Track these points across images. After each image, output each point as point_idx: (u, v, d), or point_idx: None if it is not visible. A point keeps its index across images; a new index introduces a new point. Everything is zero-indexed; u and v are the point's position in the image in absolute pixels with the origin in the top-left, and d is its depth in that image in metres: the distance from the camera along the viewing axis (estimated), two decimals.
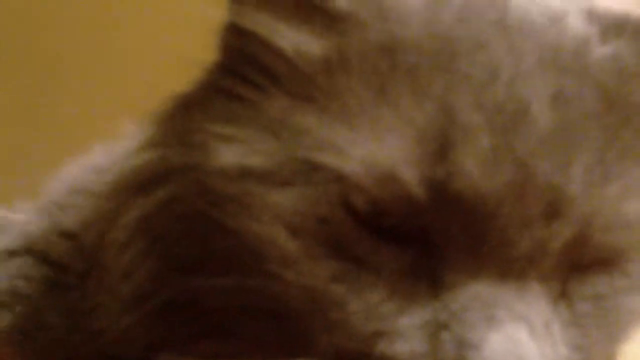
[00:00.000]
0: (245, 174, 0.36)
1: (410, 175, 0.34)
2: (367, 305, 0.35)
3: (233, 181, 0.36)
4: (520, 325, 0.34)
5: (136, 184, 0.40)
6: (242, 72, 0.38)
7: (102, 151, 0.49)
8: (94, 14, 1.17)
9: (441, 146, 0.34)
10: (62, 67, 1.20)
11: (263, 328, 0.36)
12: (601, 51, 0.37)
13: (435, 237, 0.35)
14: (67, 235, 0.46)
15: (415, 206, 0.34)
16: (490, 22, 0.36)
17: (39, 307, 0.44)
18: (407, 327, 0.35)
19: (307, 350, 0.35)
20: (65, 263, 0.45)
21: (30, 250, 0.47)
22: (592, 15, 0.38)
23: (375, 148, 0.34)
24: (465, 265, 0.35)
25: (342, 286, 0.35)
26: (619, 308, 0.38)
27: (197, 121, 0.38)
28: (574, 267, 0.37)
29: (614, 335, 0.38)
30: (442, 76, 0.34)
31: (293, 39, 0.36)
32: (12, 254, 0.47)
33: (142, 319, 0.39)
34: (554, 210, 0.35)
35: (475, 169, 0.34)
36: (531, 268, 0.35)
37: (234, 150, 0.36)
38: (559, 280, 0.36)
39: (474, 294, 0.35)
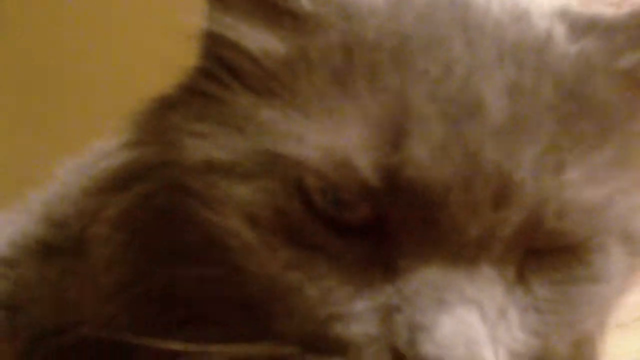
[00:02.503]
0: (210, 168, 0.38)
1: (365, 162, 0.35)
2: (322, 291, 0.37)
3: (200, 175, 0.38)
4: (471, 309, 0.35)
5: (117, 181, 0.42)
6: (216, 73, 0.40)
7: (88, 151, 0.51)
8: (83, 18, 1.17)
9: (395, 135, 0.36)
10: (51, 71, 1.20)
11: (232, 315, 0.38)
12: (565, 48, 0.39)
13: (389, 223, 0.36)
14: (57, 225, 0.48)
15: (369, 192, 0.36)
16: (451, 20, 0.38)
17: (30, 280, 0.46)
18: (361, 311, 0.36)
19: (271, 335, 0.37)
20: (55, 244, 0.47)
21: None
22: (564, 15, 0.40)
23: (333, 136, 0.36)
24: (418, 250, 0.36)
25: (298, 273, 0.37)
26: (579, 296, 0.39)
27: (174, 120, 0.40)
28: (531, 252, 0.38)
29: (575, 322, 0.39)
30: (399, 71, 0.36)
31: (259, 39, 0.38)
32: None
33: (123, 307, 0.41)
34: (502, 197, 0.36)
35: (426, 157, 0.35)
36: (482, 253, 0.36)
37: (202, 146, 0.38)
38: (514, 265, 0.38)
39: (425, 279, 0.36)
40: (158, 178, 0.40)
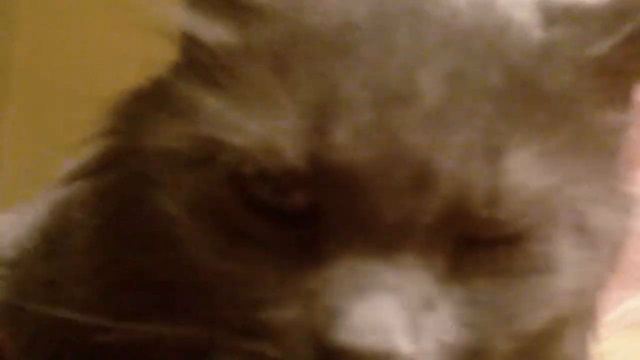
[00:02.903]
0: (163, 156, 0.39)
1: (292, 148, 0.35)
2: (251, 277, 0.37)
3: (155, 163, 0.39)
4: (389, 296, 0.35)
5: (92, 167, 0.43)
6: (181, 66, 0.41)
7: None
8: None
9: (322, 121, 0.35)
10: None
11: (184, 301, 0.39)
12: (526, 35, 0.38)
13: (319, 209, 0.36)
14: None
15: (298, 178, 0.36)
16: (401, 8, 0.37)
17: (25, 276, 0.47)
18: (286, 297, 0.36)
19: (215, 322, 0.37)
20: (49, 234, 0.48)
21: None
22: (541, 3, 0.40)
23: (267, 124, 0.36)
24: (342, 236, 0.36)
25: (230, 261, 0.37)
26: (519, 289, 0.38)
27: (141, 110, 0.41)
28: (467, 242, 0.37)
29: (515, 316, 0.38)
30: (337, 59, 0.36)
31: (214, 32, 0.39)
32: None
33: (97, 292, 0.41)
34: (422, 183, 0.35)
35: (349, 142, 0.35)
36: (404, 240, 0.36)
37: (158, 135, 0.39)
38: (444, 254, 0.37)
39: (346, 265, 0.35)
40: (127, 165, 0.41)
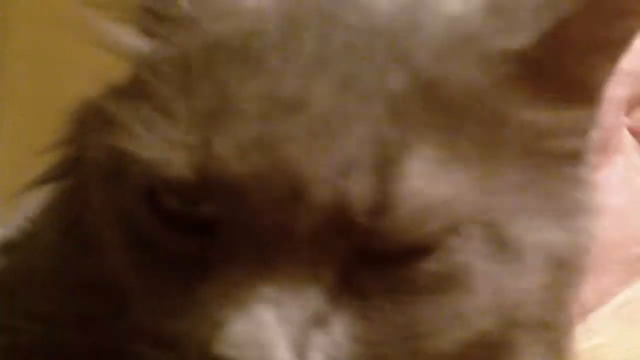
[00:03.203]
0: (94, 166, 0.39)
1: (181, 160, 0.35)
2: (156, 288, 0.37)
3: (89, 174, 0.40)
4: (268, 309, 0.34)
5: (51, 176, 0.44)
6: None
7: None
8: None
9: (208, 132, 0.35)
10: None
11: (112, 309, 0.39)
12: (436, 35, 0.37)
13: (211, 221, 0.36)
14: None
15: (189, 190, 0.36)
16: (312, 13, 0.37)
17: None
18: (181, 308, 0.36)
19: (131, 331, 0.38)
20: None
21: None
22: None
23: (164, 136, 0.36)
24: (229, 249, 0.36)
25: (140, 271, 0.38)
26: (424, 306, 0.36)
27: (91, 119, 0.41)
28: (361, 256, 0.36)
29: (421, 335, 0.36)
30: (237, 68, 0.36)
31: (137, 44, 0.39)
32: None
33: (58, 295, 0.42)
34: (296, 193, 0.34)
35: (230, 154, 0.35)
36: (286, 253, 0.35)
37: (93, 145, 0.40)
38: (333, 268, 0.35)
39: (231, 278, 0.35)
40: (79, 175, 0.42)
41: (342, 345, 0.35)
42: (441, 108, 0.36)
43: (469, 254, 0.36)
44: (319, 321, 0.35)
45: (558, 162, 0.39)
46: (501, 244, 0.37)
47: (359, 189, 0.34)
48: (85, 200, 0.41)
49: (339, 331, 0.35)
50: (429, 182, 0.35)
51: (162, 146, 0.36)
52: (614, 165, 0.63)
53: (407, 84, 0.36)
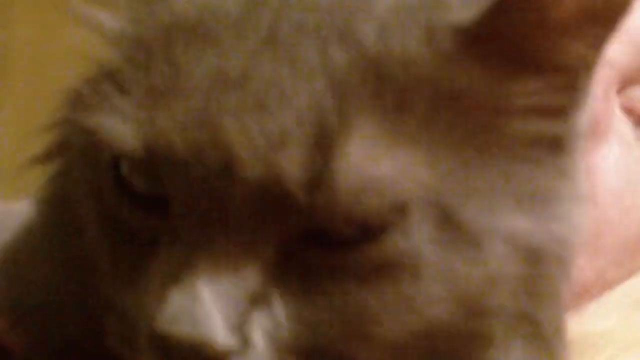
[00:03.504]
0: (74, 145, 0.40)
1: (129, 134, 0.36)
2: (116, 264, 0.38)
3: (73, 154, 0.41)
4: (205, 285, 0.34)
5: (45, 155, 0.44)
6: None
7: None
8: None
9: (157, 108, 0.36)
10: None
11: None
12: (384, 9, 0.36)
13: (160, 198, 0.36)
14: None
15: (139, 165, 0.36)
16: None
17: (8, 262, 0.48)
18: (132, 283, 0.37)
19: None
20: None
21: None
22: None
23: (121, 111, 0.36)
24: (174, 224, 0.36)
25: (106, 247, 0.39)
26: (370, 290, 0.35)
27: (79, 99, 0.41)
28: (306, 238, 0.35)
29: (367, 320, 0.35)
30: (192, 45, 0.36)
31: (110, 22, 0.39)
32: None
33: (56, 274, 0.43)
34: (228, 168, 0.34)
35: (172, 129, 0.35)
36: (222, 230, 0.35)
37: (72, 125, 0.40)
38: (273, 247, 0.35)
39: (170, 255, 0.36)
40: (66, 154, 0.42)
41: (282, 325, 0.35)
42: (385, 85, 0.35)
43: (418, 238, 0.35)
44: (258, 300, 0.35)
45: (525, 146, 0.38)
46: (453, 229, 0.36)
47: (292, 163, 0.34)
48: (72, 180, 0.41)
49: (280, 311, 0.35)
50: (369, 159, 0.34)
51: (117, 121, 0.36)
52: (609, 146, 0.60)
53: (350, 60, 0.35)
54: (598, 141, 0.60)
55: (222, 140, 0.34)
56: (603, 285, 0.61)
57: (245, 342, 0.35)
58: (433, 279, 0.36)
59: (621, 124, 0.62)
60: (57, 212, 0.43)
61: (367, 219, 0.35)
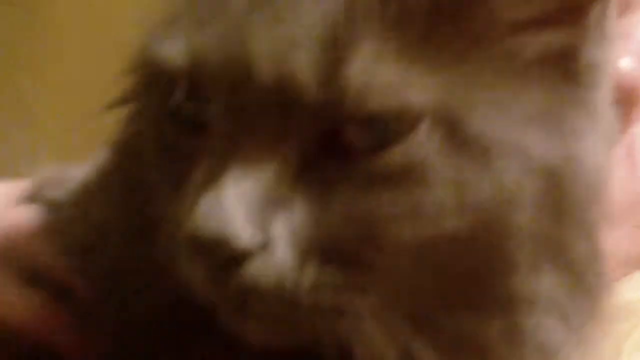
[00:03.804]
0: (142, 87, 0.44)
1: (179, 53, 0.39)
2: (171, 186, 0.40)
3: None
4: (229, 188, 0.36)
5: (122, 99, 0.47)
6: None
7: None
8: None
9: (198, 31, 0.38)
10: None
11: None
12: None
13: (200, 122, 0.39)
14: None
15: (185, 85, 0.39)
16: None
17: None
18: (176, 199, 0.39)
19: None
20: None
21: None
22: None
23: (173, 37, 0.40)
24: (211, 136, 0.39)
25: (160, 172, 0.41)
26: (381, 197, 0.37)
27: None
28: (325, 146, 0.38)
29: (377, 225, 0.37)
30: None
31: None
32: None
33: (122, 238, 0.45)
34: (248, 73, 0.37)
35: (209, 45, 0.38)
36: (247, 137, 0.37)
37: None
38: (294, 153, 0.37)
39: (207, 163, 0.38)
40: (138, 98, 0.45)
41: (302, 228, 0.37)
42: None
43: (426, 148, 0.37)
44: (280, 204, 0.37)
45: (533, 64, 0.39)
46: (460, 140, 0.37)
47: (303, 64, 0.36)
48: (141, 120, 0.44)
49: (300, 215, 0.37)
50: (376, 64, 0.36)
51: (171, 45, 0.39)
52: None
53: None
54: (637, 112, 0.59)
55: (245, 50, 0.37)
56: None
57: (266, 242, 0.36)
58: (440, 188, 0.37)
59: None
60: (128, 155, 0.45)
61: (376, 123, 0.37)
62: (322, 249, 0.37)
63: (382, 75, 0.37)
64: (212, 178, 0.37)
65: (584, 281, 0.41)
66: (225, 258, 0.36)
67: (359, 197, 0.37)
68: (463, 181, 0.37)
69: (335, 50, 0.36)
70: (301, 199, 0.37)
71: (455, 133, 0.37)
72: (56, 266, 0.47)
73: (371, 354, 0.38)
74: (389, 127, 0.37)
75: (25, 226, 0.49)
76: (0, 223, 0.50)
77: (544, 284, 0.40)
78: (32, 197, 0.52)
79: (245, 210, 0.36)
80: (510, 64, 0.39)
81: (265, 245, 0.37)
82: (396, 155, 0.37)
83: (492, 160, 0.38)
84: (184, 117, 0.40)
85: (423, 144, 0.37)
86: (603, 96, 0.42)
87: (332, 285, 0.37)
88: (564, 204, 0.40)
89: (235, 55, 0.37)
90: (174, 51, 0.39)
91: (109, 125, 0.48)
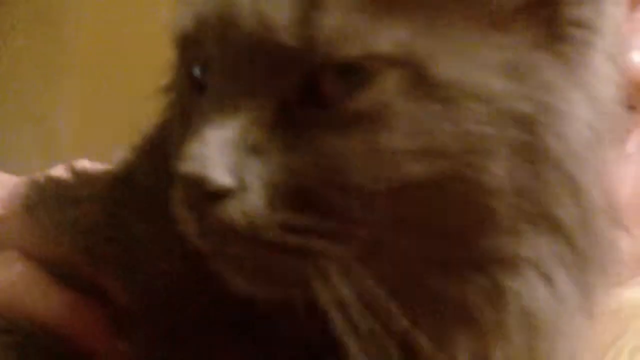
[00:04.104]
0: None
1: (188, 18, 0.42)
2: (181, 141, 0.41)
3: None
4: (212, 132, 0.39)
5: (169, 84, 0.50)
6: None
7: None
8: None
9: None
10: None
11: None
12: None
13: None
14: None
15: (190, 42, 0.42)
16: None
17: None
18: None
19: None
20: None
21: None
22: None
23: (189, 6, 0.42)
24: (204, 89, 0.42)
25: (177, 131, 0.44)
26: (348, 141, 0.38)
27: None
28: (299, 94, 0.39)
29: (346, 169, 0.38)
30: None
31: None
32: None
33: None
34: (229, 23, 0.40)
35: (209, 8, 0.41)
36: (232, 86, 0.40)
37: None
38: (272, 100, 0.39)
39: (200, 110, 0.41)
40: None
41: (275, 171, 0.39)
42: None
43: (392, 93, 0.38)
44: (256, 149, 0.39)
45: (506, 17, 0.39)
46: (426, 85, 0.38)
47: (280, 13, 0.38)
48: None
49: (274, 159, 0.39)
50: (347, 13, 0.38)
51: (184, 13, 0.42)
52: None
53: None
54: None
55: (232, 5, 0.39)
56: None
57: (241, 184, 0.38)
58: (405, 133, 0.38)
59: None
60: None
61: (348, 70, 0.38)
62: (294, 193, 0.39)
63: (353, 23, 0.38)
64: (198, 127, 0.39)
65: (574, 246, 0.41)
66: (202, 195, 0.38)
67: (329, 143, 0.38)
68: (428, 126, 0.38)
69: (309, 3, 0.38)
70: (276, 145, 0.39)
71: (421, 78, 0.38)
72: (87, 268, 0.48)
73: (337, 308, 0.38)
74: (360, 74, 0.38)
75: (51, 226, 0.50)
76: (29, 222, 0.50)
77: (526, 245, 0.39)
78: (47, 196, 0.52)
79: (221, 154, 0.38)
80: (480, 12, 0.39)
81: (240, 188, 0.38)
82: (364, 100, 0.38)
83: (456, 105, 0.38)
84: (195, 79, 0.42)
85: (389, 89, 0.38)
86: (599, 60, 0.41)
87: (300, 228, 0.38)
88: (542, 157, 0.39)
89: (225, 12, 0.40)
90: (187, 20, 0.42)
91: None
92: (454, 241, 0.39)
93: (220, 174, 0.38)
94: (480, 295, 0.39)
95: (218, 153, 0.38)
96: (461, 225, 0.39)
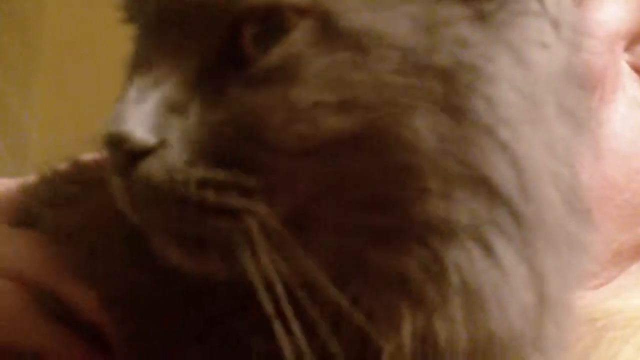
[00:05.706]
0: None
1: None
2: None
3: None
4: (133, 94, 0.39)
5: None
6: None
7: None
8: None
9: None
10: None
11: None
12: None
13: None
14: None
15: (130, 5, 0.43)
16: None
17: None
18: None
19: None
20: None
21: None
22: None
23: None
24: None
25: None
26: (265, 98, 0.38)
27: None
28: (218, 56, 0.40)
29: (264, 126, 0.38)
30: None
31: None
32: None
33: None
34: None
35: None
36: (156, 48, 0.40)
37: None
38: (192, 62, 0.40)
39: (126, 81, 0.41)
40: None
41: (194, 129, 0.39)
42: None
43: (302, 44, 0.38)
44: (177, 108, 0.39)
45: None
46: (336, 35, 0.37)
47: None
48: None
49: (194, 117, 0.39)
50: None
51: None
52: (615, 105, 0.59)
53: None
54: (603, 100, 0.58)
55: None
56: (618, 254, 0.60)
57: (162, 142, 0.39)
58: (318, 85, 0.37)
59: (629, 82, 0.61)
60: None
61: (264, 24, 0.38)
62: (213, 149, 0.39)
63: None
64: (124, 92, 0.40)
65: (515, 214, 0.39)
66: (125, 155, 0.39)
67: (246, 99, 0.39)
68: (341, 77, 0.37)
69: None
70: (197, 104, 0.39)
71: (331, 28, 0.38)
72: (84, 306, 0.47)
73: (264, 282, 0.38)
74: (276, 31, 0.38)
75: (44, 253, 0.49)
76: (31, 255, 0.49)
77: (461, 210, 0.39)
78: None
79: (141, 113, 0.39)
80: None
81: (160, 145, 0.39)
82: (275, 54, 0.38)
83: (368, 54, 0.37)
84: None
85: (299, 41, 0.38)
86: (535, 24, 0.40)
87: (219, 184, 0.38)
88: (469, 119, 0.38)
89: None
90: None
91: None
92: (385, 208, 0.38)
93: (140, 132, 0.38)
94: (421, 269, 0.38)
95: (138, 112, 0.39)
96: (388, 189, 0.38)
